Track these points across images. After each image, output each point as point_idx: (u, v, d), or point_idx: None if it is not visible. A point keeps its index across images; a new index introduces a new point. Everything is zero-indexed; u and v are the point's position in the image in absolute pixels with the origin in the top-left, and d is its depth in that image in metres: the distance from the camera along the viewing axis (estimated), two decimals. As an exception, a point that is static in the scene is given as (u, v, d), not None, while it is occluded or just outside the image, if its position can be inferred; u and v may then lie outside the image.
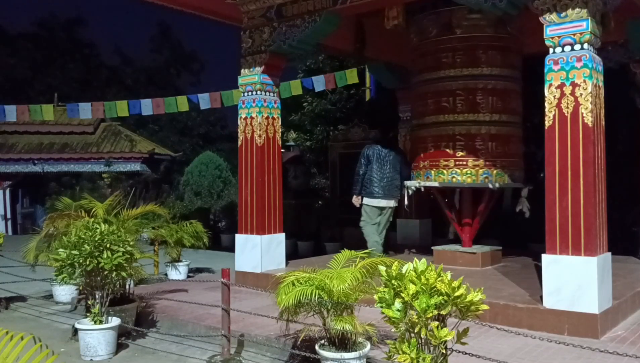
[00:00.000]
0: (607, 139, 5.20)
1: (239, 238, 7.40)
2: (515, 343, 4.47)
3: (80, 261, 5.11)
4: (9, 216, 19.84)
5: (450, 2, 6.21)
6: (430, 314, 2.94)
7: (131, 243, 5.48)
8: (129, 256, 5.37)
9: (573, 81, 4.88)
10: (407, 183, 7.45)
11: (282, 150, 10.17)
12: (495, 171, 6.90)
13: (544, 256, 5.01)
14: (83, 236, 5.22)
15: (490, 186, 6.86)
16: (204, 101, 13.82)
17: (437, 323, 2.97)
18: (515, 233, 9.04)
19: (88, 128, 21.45)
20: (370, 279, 4.16)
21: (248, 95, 7.33)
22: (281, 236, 7.46)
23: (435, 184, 7.12)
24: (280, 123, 7.56)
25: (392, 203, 7.64)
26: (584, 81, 4.84)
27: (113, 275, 5.26)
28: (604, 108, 5.13)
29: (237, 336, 5.05)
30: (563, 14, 4.94)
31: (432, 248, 7.51)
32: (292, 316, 4.17)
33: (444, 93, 7.08)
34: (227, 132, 29.81)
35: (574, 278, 4.79)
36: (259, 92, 7.25)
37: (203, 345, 5.18)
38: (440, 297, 2.98)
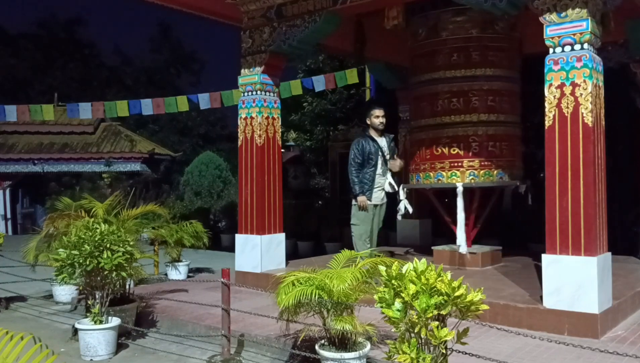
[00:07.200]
0: (607, 139, 5.20)
1: (239, 238, 7.40)
2: (515, 343, 4.47)
3: (80, 261, 5.10)
4: (9, 216, 19.85)
5: (449, 2, 6.21)
6: (430, 314, 2.94)
7: (131, 243, 5.48)
8: (129, 256, 5.36)
9: (573, 81, 4.88)
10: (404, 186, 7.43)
11: (282, 150, 10.16)
12: (495, 172, 6.90)
13: (544, 256, 5.00)
14: (83, 236, 5.22)
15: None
16: (204, 101, 13.82)
17: (437, 323, 2.97)
18: (516, 233, 9.04)
19: (88, 128, 21.45)
20: (370, 279, 4.16)
21: (248, 95, 7.33)
22: (281, 236, 7.46)
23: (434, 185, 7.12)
24: (280, 123, 7.56)
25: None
26: (584, 81, 4.84)
27: (113, 275, 5.26)
28: (604, 108, 5.12)
29: (237, 336, 5.05)
30: (563, 14, 4.93)
31: (432, 248, 7.50)
32: (292, 317, 4.17)
33: (441, 94, 7.07)
34: (227, 133, 29.81)
35: (574, 278, 4.78)
36: (259, 92, 7.25)
37: (203, 345, 5.18)
38: (440, 297, 2.98)
